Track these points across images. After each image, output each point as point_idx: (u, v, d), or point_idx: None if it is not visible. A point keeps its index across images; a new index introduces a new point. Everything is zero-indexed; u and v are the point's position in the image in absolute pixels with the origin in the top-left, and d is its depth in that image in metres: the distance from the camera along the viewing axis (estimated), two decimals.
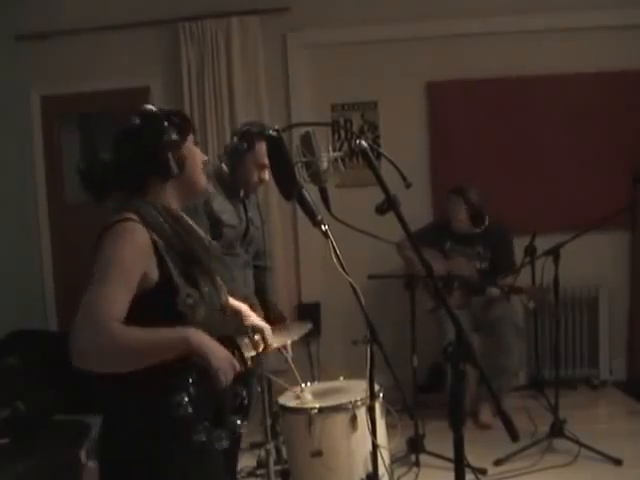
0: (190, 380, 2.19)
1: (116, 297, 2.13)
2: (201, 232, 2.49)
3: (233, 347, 2.32)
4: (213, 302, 2.40)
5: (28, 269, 6.65)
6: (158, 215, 2.31)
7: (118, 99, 6.48)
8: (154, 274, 2.24)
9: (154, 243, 2.25)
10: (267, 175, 4.07)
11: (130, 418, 2.28)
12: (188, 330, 2.18)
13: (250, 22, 6.40)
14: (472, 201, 5.67)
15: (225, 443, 2.28)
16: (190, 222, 2.46)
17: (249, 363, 2.46)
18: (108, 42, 6.52)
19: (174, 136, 2.38)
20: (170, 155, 2.36)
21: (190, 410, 2.17)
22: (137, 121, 2.39)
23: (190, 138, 2.46)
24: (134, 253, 2.19)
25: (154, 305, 2.24)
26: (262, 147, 3.97)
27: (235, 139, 4.09)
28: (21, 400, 4.74)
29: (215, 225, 3.97)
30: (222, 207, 4.03)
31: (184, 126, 2.44)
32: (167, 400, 2.16)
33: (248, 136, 4.04)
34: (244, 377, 2.34)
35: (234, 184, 4.10)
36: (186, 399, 2.17)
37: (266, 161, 3.97)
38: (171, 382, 2.18)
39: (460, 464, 2.16)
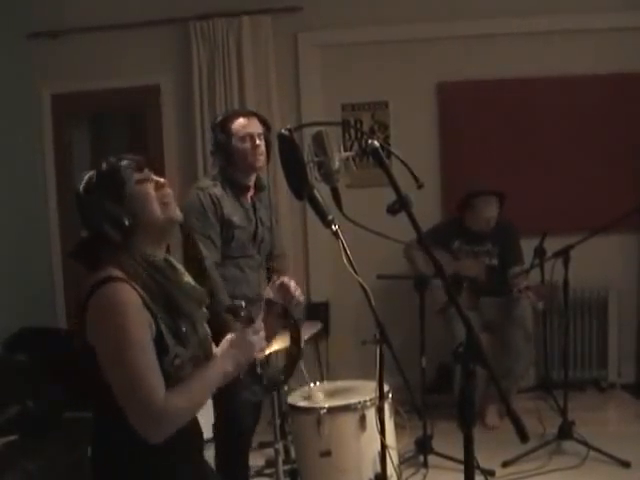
0: None
1: (152, 376, 2.15)
2: (185, 276, 2.42)
3: (242, 318, 2.45)
4: (198, 355, 2.37)
5: (38, 267, 6.66)
6: (136, 265, 2.26)
7: (129, 97, 6.50)
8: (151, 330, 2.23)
9: (143, 301, 2.21)
10: (259, 142, 4.03)
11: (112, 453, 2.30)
12: (216, 364, 2.34)
13: (261, 21, 6.40)
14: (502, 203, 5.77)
15: None
16: (173, 271, 2.38)
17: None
18: (119, 40, 6.52)
19: (106, 205, 2.26)
20: (107, 227, 2.25)
21: None
22: (82, 187, 2.33)
23: (132, 180, 2.30)
24: (136, 322, 2.17)
25: None
26: (237, 122, 4.01)
27: (212, 136, 4.11)
28: (30, 398, 4.75)
29: (227, 228, 3.98)
30: (232, 209, 4.02)
31: (116, 179, 2.30)
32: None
33: (219, 125, 4.05)
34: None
35: (241, 178, 4.08)
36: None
37: (249, 130, 4.00)
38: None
39: (470, 465, 2.16)
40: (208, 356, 2.41)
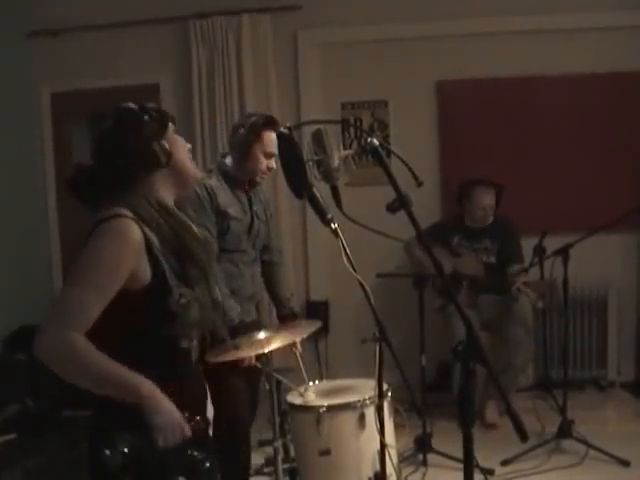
0: (120, 437, 2.15)
1: (90, 304, 2.10)
2: (195, 228, 2.44)
3: (193, 413, 2.27)
4: (207, 301, 2.36)
5: (37, 266, 6.67)
6: (152, 210, 2.27)
7: (128, 96, 6.42)
8: (146, 273, 2.20)
9: (147, 241, 2.21)
10: (274, 163, 4.07)
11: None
12: (145, 381, 2.14)
13: (261, 20, 6.40)
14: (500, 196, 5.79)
15: None
16: (184, 217, 2.42)
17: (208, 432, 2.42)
18: (118, 39, 6.53)
19: (155, 126, 2.34)
20: (155, 144, 2.31)
21: (112, 466, 2.13)
22: (114, 119, 2.35)
23: (171, 127, 2.41)
24: (120, 254, 2.15)
25: (145, 305, 2.21)
26: (269, 136, 4.01)
27: (242, 130, 4.10)
28: (29, 397, 4.75)
29: (222, 219, 3.98)
30: (227, 201, 4.03)
31: (162, 117, 2.39)
32: (101, 451, 2.13)
33: (255, 127, 4.06)
34: (203, 441, 2.30)
35: (240, 176, 4.09)
36: (108, 454, 2.12)
37: (273, 149, 3.99)
38: (102, 433, 2.19)
39: (469, 463, 2.16)
40: (216, 303, 2.40)
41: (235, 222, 4.03)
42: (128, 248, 2.16)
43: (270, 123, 4.07)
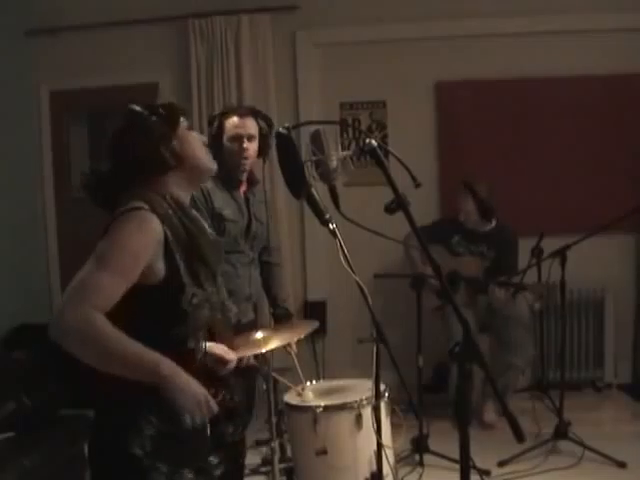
0: (146, 420, 2.17)
1: (111, 286, 2.10)
2: (206, 225, 2.46)
3: (219, 387, 2.31)
4: (215, 302, 2.38)
5: (35, 264, 6.67)
6: (167, 207, 2.28)
7: (127, 95, 6.47)
8: (160, 268, 2.21)
9: (165, 236, 2.22)
10: (250, 148, 4.04)
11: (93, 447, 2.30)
12: (165, 360, 2.13)
13: (260, 20, 6.40)
14: (479, 194, 5.66)
15: None
16: (198, 216, 2.44)
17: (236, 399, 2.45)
18: (117, 38, 6.53)
19: (163, 129, 2.34)
20: (162, 149, 2.31)
21: (141, 452, 2.15)
22: (124, 121, 2.36)
23: (183, 124, 2.43)
24: (143, 242, 2.16)
25: (157, 301, 2.22)
26: (230, 120, 4.03)
27: (208, 128, 4.13)
28: (27, 394, 4.75)
29: (217, 221, 3.97)
30: (223, 203, 4.02)
31: (172, 115, 2.40)
32: (119, 441, 2.15)
33: (215, 119, 4.08)
34: (235, 413, 2.31)
35: (227, 173, 4.08)
36: (137, 441, 2.16)
37: (239, 131, 4.00)
38: (125, 421, 2.19)
39: (466, 463, 2.16)
40: (223, 305, 2.44)
41: (231, 224, 4.03)
42: (149, 236, 2.18)
43: (229, 111, 4.11)
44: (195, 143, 2.45)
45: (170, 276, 2.22)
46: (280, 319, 4.32)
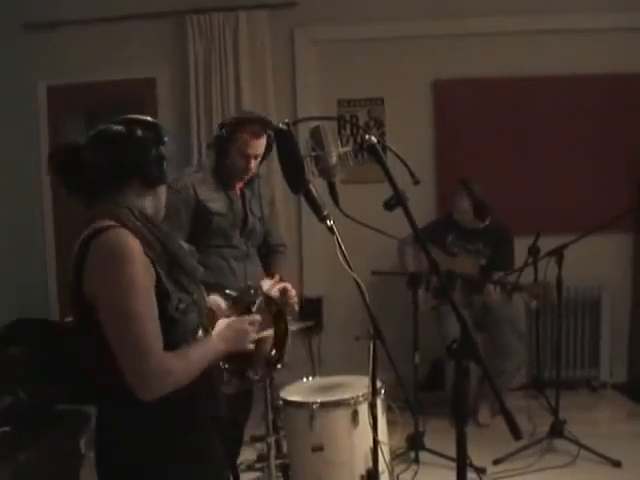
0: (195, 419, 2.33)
1: (152, 326, 2.14)
2: (177, 238, 2.44)
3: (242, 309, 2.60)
4: (202, 306, 2.39)
5: (31, 259, 6.66)
6: (134, 219, 2.25)
7: (125, 90, 6.48)
8: None
9: (143, 247, 2.20)
10: (254, 165, 4.03)
11: (122, 422, 2.28)
12: (212, 341, 2.41)
13: (258, 16, 6.40)
14: (475, 193, 5.66)
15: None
16: (165, 228, 2.39)
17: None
18: (115, 33, 6.52)
19: (165, 149, 2.34)
20: (165, 165, 2.33)
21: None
22: (133, 127, 2.33)
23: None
24: (140, 268, 2.15)
25: None
26: (244, 137, 3.96)
27: (217, 129, 4.11)
28: (22, 389, 4.74)
29: (203, 214, 3.98)
30: (208, 195, 4.01)
31: (159, 136, 2.37)
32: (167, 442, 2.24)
33: (229, 125, 4.04)
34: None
35: (225, 176, 4.08)
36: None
37: (250, 151, 3.97)
38: (174, 421, 2.28)
39: (462, 461, 2.16)
40: (207, 309, 2.47)
41: (218, 217, 4.02)
42: (138, 258, 2.16)
43: (246, 123, 4.02)
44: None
45: (154, 286, 2.21)
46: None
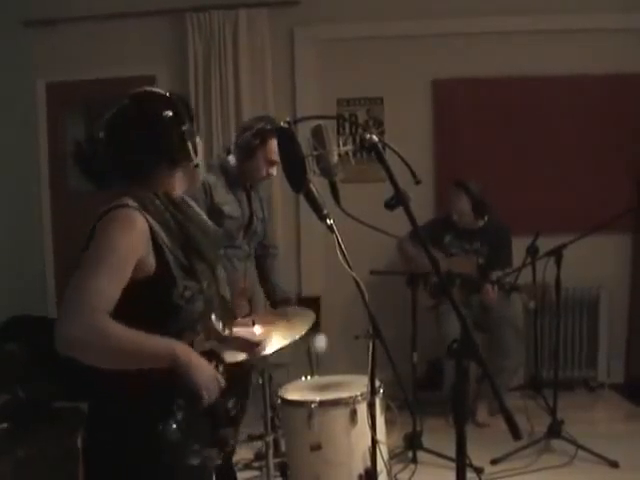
0: (177, 405, 2.19)
1: (108, 288, 2.07)
2: (204, 217, 2.45)
3: (217, 360, 2.33)
4: (212, 295, 2.37)
5: (29, 256, 6.65)
6: (159, 202, 2.26)
7: (124, 88, 6.44)
8: (150, 263, 2.19)
9: (152, 231, 2.20)
10: (275, 171, 4.11)
11: (116, 440, 2.22)
12: (177, 344, 2.15)
13: (258, 15, 6.40)
14: (472, 191, 5.65)
15: (218, 461, 2.32)
16: (193, 207, 2.42)
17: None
18: (115, 30, 6.51)
19: (189, 125, 2.33)
20: (190, 144, 2.32)
21: (179, 435, 2.17)
22: (150, 106, 2.34)
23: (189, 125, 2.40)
24: (129, 241, 2.13)
25: (149, 295, 2.19)
26: (273, 143, 4.02)
27: (248, 134, 4.12)
28: (20, 386, 4.75)
29: (217, 217, 3.98)
30: (224, 198, 4.06)
31: (191, 114, 2.39)
32: (155, 428, 2.16)
33: (262, 132, 4.09)
34: (231, 389, 2.34)
35: (240, 176, 4.12)
36: (174, 425, 2.17)
37: (276, 157, 4.01)
38: (157, 408, 2.19)
39: (462, 461, 2.16)
40: (223, 297, 2.44)
41: (229, 221, 4.07)
42: (135, 233, 2.15)
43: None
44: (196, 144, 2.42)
45: (160, 270, 2.20)
46: (279, 303, 4.37)
